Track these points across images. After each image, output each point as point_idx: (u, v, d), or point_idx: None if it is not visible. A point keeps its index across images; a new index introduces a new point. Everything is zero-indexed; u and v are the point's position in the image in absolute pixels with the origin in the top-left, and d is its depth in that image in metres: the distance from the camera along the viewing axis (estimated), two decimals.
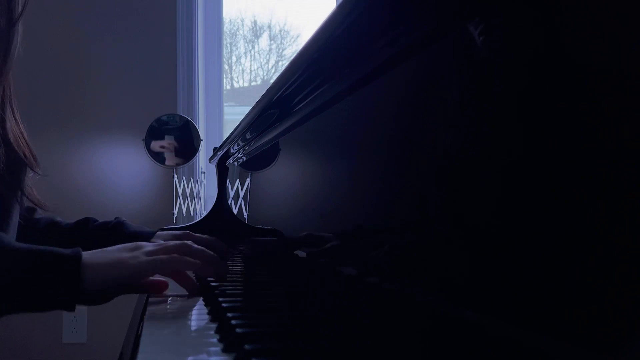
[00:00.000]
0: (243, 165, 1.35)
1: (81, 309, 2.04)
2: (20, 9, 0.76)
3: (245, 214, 1.30)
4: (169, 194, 2.07)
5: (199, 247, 0.66)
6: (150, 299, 0.66)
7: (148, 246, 0.64)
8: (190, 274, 0.69)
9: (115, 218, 0.98)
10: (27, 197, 0.85)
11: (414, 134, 0.47)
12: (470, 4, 0.38)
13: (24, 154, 0.78)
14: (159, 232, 0.91)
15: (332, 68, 0.60)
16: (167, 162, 2.02)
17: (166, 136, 2.02)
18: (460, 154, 0.39)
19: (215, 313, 0.56)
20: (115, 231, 0.92)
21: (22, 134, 0.80)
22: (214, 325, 0.52)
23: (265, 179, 1.10)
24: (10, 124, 0.77)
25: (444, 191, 0.41)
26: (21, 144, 0.78)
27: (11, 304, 0.56)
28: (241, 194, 1.34)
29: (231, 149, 1.32)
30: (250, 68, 2.60)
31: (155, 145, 2.00)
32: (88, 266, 0.57)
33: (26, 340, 2.02)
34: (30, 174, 0.82)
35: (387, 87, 0.52)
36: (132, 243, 0.65)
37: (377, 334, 0.46)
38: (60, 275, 0.55)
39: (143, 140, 2.00)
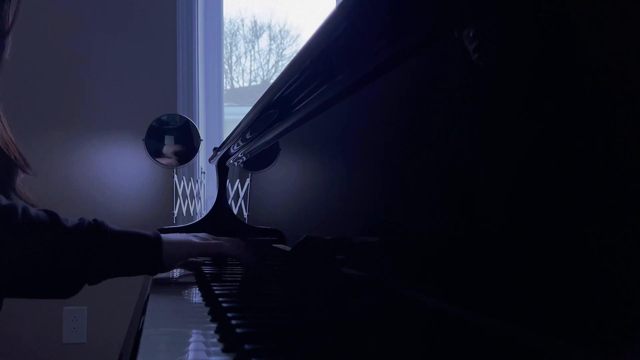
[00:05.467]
0: (243, 165, 1.35)
1: (81, 309, 2.04)
2: (10, 20, 0.80)
3: (245, 214, 1.30)
4: (169, 194, 2.07)
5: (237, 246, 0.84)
6: (150, 300, 0.66)
7: (201, 236, 0.84)
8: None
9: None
10: (20, 197, 0.87)
11: (413, 134, 0.47)
12: (469, 5, 0.38)
13: (14, 157, 0.82)
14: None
15: (332, 68, 0.60)
16: (167, 162, 2.02)
17: (166, 136, 2.02)
18: (462, 154, 0.39)
19: (215, 313, 0.56)
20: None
21: (10, 138, 0.83)
22: (214, 326, 0.52)
23: (265, 179, 1.10)
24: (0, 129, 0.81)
25: (444, 191, 0.41)
26: (10, 148, 0.82)
27: (112, 271, 0.72)
28: (241, 194, 1.34)
29: (231, 149, 1.32)
30: (250, 68, 2.60)
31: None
32: (166, 244, 0.75)
33: (26, 340, 2.02)
34: (21, 176, 0.85)
35: (387, 87, 0.52)
36: (192, 234, 0.86)
37: (377, 333, 0.46)
38: (148, 251, 0.74)
39: (143, 140, 2.00)
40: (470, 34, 0.38)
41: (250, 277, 0.85)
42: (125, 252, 0.72)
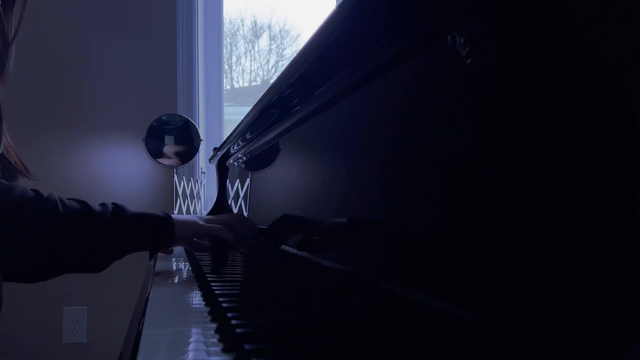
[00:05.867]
0: (243, 165, 1.35)
1: (81, 309, 2.04)
2: (14, 31, 0.84)
3: (245, 214, 1.30)
4: (169, 194, 2.07)
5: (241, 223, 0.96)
6: (150, 300, 0.66)
7: (206, 218, 0.95)
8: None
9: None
10: None
11: (413, 134, 0.47)
12: (469, 5, 0.38)
13: (14, 161, 0.87)
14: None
15: (332, 68, 0.60)
16: (167, 162, 2.02)
17: (166, 136, 2.02)
18: (461, 154, 0.39)
19: (216, 313, 0.56)
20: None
21: (10, 144, 0.88)
22: (214, 325, 0.52)
23: (265, 179, 1.10)
24: (2, 136, 0.85)
25: (443, 191, 0.41)
26: (11, 153, 0.87)
27: (133, 246, 0.83)
28: (241, 194, 1.34)
29: (231, 149, 1.32)
30: (250, 68, 2.60)
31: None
32: (176, 224, 0.87)
33: (26, 340, 2.02)
34: (21, 180, 0.90)
35: (387, 87, 0.52)
36: (197, 215, 0.97)
37: (377, 333, 0.46)
38: (162, 228, 0.86)
39: (143, 140, 2.00)
40: (462, 41, 0.38)
41: (250, 252, 0.96)
42: (144, 230, 0.84)
